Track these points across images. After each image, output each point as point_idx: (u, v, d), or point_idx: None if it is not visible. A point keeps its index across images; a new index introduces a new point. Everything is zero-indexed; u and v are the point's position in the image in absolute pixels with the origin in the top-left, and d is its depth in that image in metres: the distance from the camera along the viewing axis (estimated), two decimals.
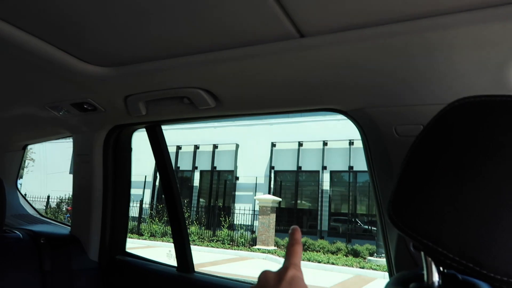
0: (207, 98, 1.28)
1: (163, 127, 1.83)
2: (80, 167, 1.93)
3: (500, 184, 0.47)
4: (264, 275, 0.53)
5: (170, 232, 14.37)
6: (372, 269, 10.90)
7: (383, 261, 11.69)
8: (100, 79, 1.27)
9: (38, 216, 2.43)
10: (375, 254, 12.27)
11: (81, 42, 1.07)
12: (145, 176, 19.24)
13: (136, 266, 1.89)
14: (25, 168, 24.91)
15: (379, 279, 9.94)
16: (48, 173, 22.73)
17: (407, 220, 0.52)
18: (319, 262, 11.56)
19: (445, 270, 0.58)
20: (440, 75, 0.93)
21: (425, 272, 0.57)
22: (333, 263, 11.41)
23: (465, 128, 0.53)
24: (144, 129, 1.82)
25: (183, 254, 1.74)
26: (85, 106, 1.53)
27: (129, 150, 2.00)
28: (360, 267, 11.09)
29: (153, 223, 16.93)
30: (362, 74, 1.01)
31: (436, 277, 0.56)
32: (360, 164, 15.82)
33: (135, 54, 1.11)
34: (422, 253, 0.57)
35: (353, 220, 15.86)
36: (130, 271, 1.87)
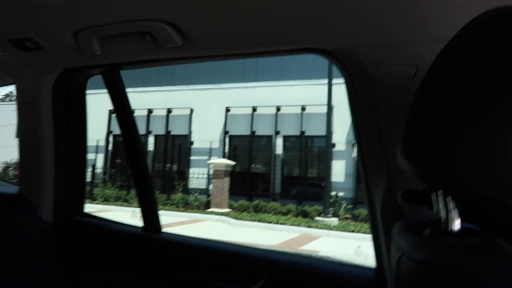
0: (173, 34, 1.10)
1: None
2: (25, 117, 1.71)
3: None
4: None
5: (124, 196, 13.93)
6: (318, 228, 11.53)
7: (329, 220, 12.38)
8: (43, 7, 1.05)
9: None
10: (322, 214, 12.94)
11: None
12: (97, 141, 18.77)
13: (98, 227, 1.75)
14: None
15: (324, 237, 10.59)
16: None
17: (428, 161, 0.46)
18: (269, 222, 12.07)
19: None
20: (435, 8, 0.83)
21: (442, 217, 0.51)
22: (282, 223, 11.95)
23: (497, 45, 0.43)
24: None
25: (150, 213, 1.63)
26: (27, 44, 1.29)
27: (83, 99, 1.77)
28: (307, 227, 11.70)
29: (106, 187, 16.75)
30: (350, 7, 0.89)
31: (457, 223, 0.50)
32: (312, 129, 16.28)
33: None
34: (438, 197, 0.51)
35: (304, 183, 16.51)
36: (90, 233, 1.72)
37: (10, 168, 20.09)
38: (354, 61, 1.04)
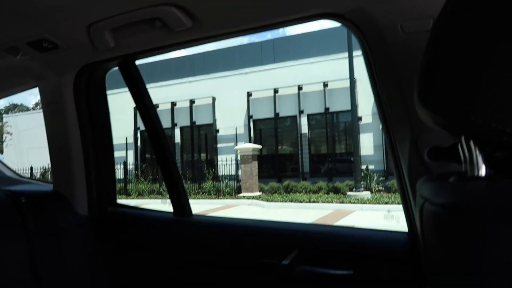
0: (181, 16, 1.12)
1: None
2: (51, 117, 1.77)
3: None
4: None
5: (157, 189, 14.14)
6: (351, 203, 11.46)
7: (361, 194, 12.29)
8: (54, 5, 1.09)
9: (17, 177, 2.23)
10: (354, 189, 12.84)
11: None
12: (126, 138, 19.22)
13: (131, 216, 1.81)
14: (3, 143, 24.51)
15: (357, 211, 10.53)
16: (19, 130, 22.87)
17: (447, 105, 0.43)
18: (301, 202, 12.09)
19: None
20: None
21: (467, 163, 0.49)
22: (314, 202, 11.95)
23: None
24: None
25: (178, 198, 1.66)
26: (44, 45, 1.34)
27: (103, 93, 1.82)
28: (340, 202, 11.65)
29: (139, 182, 17.21)
30: None
31: (483, 168, 0.47)
32: (336, 105, 16.06)
33: None
34: (463, 143, 0.49)
35: (333, 159, 16.40)
36: (124, 222, 1.78)
37: (48, 172, 20.87)
38: (367, 21, 1.01)
